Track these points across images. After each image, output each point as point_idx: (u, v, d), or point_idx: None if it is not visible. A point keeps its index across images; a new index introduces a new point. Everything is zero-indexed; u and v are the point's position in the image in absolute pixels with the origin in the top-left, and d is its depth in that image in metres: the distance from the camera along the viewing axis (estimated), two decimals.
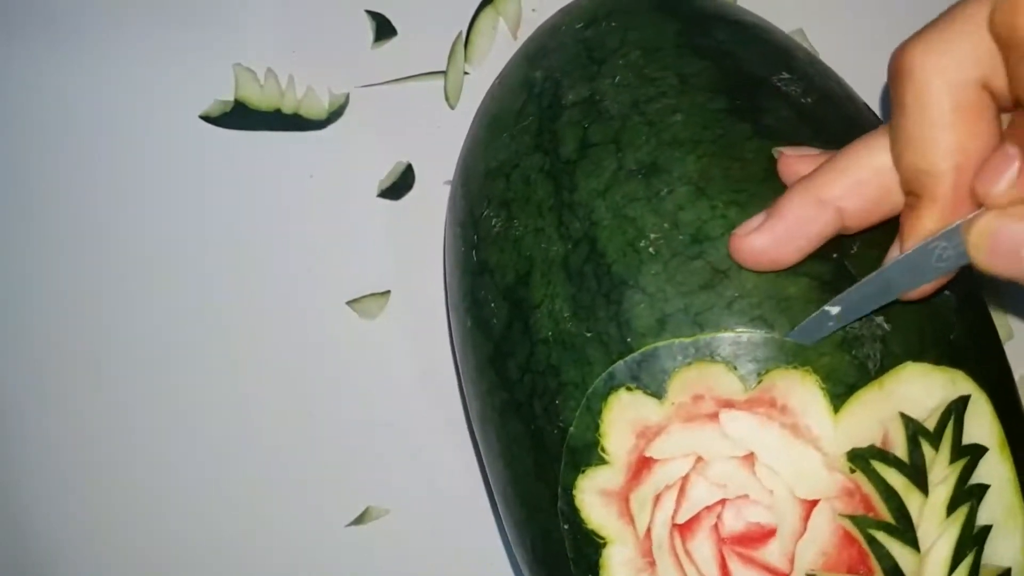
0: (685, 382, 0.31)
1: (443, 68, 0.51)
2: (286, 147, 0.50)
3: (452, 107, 0.51)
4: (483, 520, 0.50)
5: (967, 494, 0.31)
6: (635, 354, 0.31)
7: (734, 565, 0.31)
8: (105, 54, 0.50)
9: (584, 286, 0.33)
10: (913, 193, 0.29)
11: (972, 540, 0.31)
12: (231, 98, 0.50)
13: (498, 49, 0.51)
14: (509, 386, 0.35)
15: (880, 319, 0.31)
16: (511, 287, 0.35)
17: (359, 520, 0.50)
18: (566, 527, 0.33)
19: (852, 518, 0.30)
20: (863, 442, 0.30)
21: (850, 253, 0.32)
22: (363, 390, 0.50)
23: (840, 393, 0.30)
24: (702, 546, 0.31)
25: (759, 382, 0.30)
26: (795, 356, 0.30)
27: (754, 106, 0.34)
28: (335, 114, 0.51)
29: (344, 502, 0.50)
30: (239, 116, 0.50)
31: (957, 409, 0.31)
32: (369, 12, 0.51)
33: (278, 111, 0.50)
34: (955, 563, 0.31)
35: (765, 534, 0.31)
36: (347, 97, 0.51)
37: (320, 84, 0.50)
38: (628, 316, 0.32)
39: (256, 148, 0.50)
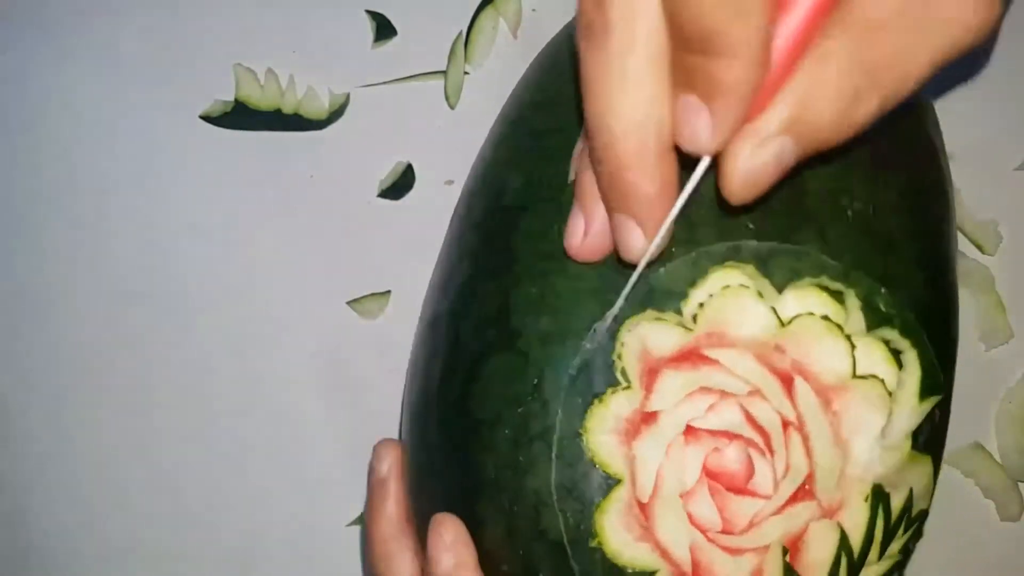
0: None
1: (443, 68, 0.51)
2: (286, 147, 0.50)
3: (452, 107, 0.51)
4: None
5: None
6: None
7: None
8: (105, 54, 0.50)
9: None
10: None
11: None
12: (231, 98, 0.50)
13: (498, 49, 0.51)
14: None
15: None
16: None
17: (359, 520, 0.50)
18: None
19: None
20: None
21: None
22: (363, 390, 0.50)
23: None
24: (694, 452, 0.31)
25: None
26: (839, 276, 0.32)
27: None
28: (335, 114, 0.51)
29: (344, 502, 0.50)
30: (239, 116, 0.50)
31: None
32: (369, 12, 0.51)
33: (278, 111, 0.50)
34: None
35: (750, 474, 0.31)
36: (347, 97, 0.51)
37: (320, 84, 0.50)
38: None
39: (256, 148, 0.50)
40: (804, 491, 0.31)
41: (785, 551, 0.31)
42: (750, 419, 0.31)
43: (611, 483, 0.31)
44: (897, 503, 0.32)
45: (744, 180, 0.27)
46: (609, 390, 0.31)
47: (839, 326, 0.31)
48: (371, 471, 0.38)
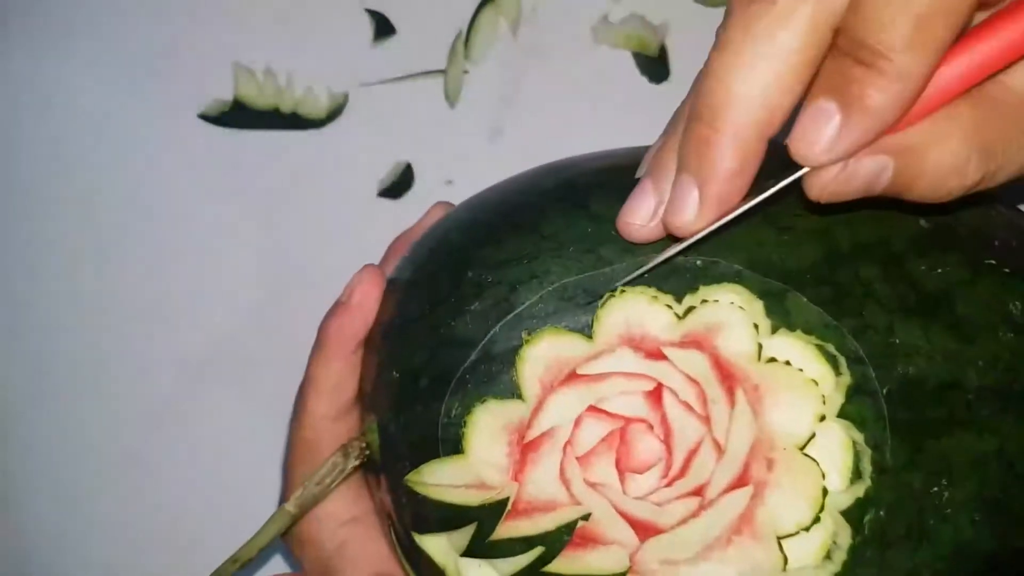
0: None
1: (443, 67, 0.51)
2: (285, 146, 0.50)
3: (452, 106, 0.50)
4: None
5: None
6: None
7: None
8: (104, 52, 0.50)
9: None
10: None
11: None
12: (230, 97, 0.50)
13: (498, 48, 0.51)
14: None
15: None
16: None
17: None
18: None
19: None
20: None
21: None
22: None
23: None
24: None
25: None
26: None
27: None
28: (334, 113, 0.50)
29: None
30: (238, 115, 0.50)
31: None
32: (368, 11, 0.51)
33: (277, 110, 0.50)
34: None
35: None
36: (346, 96, 0.50)
37: (319, 83, 0.50)
38: None
39: (255, 147, 0.50)
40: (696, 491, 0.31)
41: (581, 519, 0.30)
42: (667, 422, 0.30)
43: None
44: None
45: (834, 183, 0.26)
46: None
47: (815, 382, 0.30)
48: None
